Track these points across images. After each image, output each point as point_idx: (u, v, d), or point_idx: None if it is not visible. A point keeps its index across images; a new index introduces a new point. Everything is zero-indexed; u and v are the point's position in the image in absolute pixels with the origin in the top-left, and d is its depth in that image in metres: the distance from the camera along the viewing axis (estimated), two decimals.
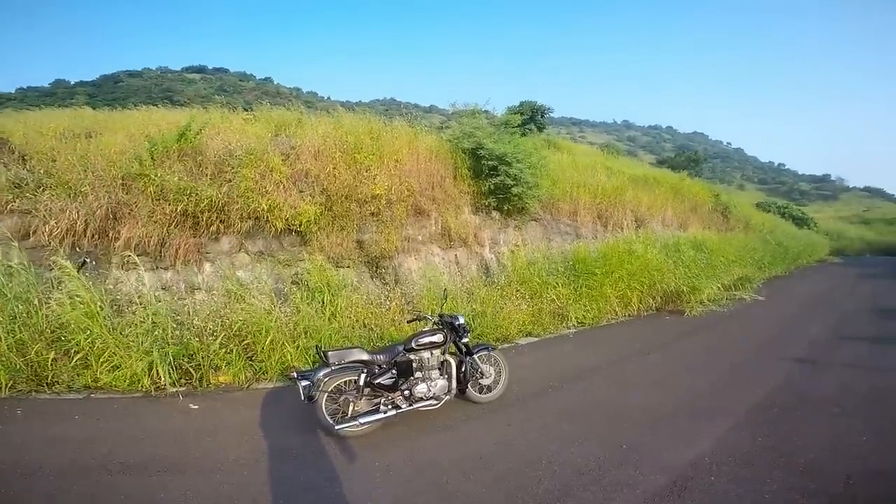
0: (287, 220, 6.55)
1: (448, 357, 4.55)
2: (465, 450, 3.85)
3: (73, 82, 53.03)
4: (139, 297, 5.48)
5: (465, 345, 4.71)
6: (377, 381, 4.08)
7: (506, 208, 9.19)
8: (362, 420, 3.94)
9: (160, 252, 6.12)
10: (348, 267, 6.93)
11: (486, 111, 10.18)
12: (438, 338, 4.47)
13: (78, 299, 4.90)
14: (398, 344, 4.50)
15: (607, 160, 16.10)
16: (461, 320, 4.66)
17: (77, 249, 5.96)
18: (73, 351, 4.73)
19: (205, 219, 6.26)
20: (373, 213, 7.34)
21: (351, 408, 4.00)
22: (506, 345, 7.01)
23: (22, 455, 3.53)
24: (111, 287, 5.62)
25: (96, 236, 6.00)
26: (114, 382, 4.71)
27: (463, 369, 4.62)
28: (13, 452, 3.57)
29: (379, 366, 4.19)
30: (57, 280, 5.19)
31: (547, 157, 10.77)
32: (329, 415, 3.98)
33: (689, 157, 32.51)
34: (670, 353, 6.92)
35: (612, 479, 3.40)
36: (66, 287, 5.02)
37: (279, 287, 6.16)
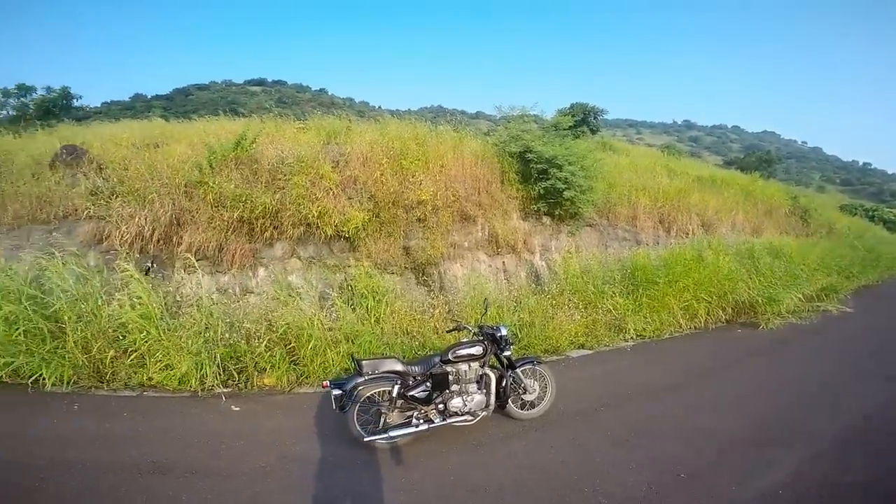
0: (336, 226, 6.60)
1: (488, 370, 4.28)
2: (499, 472, 3.58)
3: (149, 96, 58.47)
4: (196, 299, 5.70)
5: (508, 358, 4.41)
6: (410, 393, 3.92)
7: (557, 213, 8.76)
8: (392, 433, 3.80)
9: (219, 256, 6.36)
10: (395, 273, 6.87)
11: (534, 115, 9.81)
12: (477, 350, 4.22)
13: (137, 301, 5.14)
14: (435, 355, 4.30)
15: (669, 161, 15.07)
16: (503, 332, 4.37)
17: (145, 254, 6.35)
18: (129, 350, 4.97)
19: (259, 225, 6.44)
20: (419, 219, 7.26)
21: (382, 420, 3.87)
22: (555, 357, 6.59)
23: (65, 450, 3.70)
24: (171, 290, 5.89)
25: (161, 241, 6.32)
26: (165, 381, 4.89)
27: (503, 384, 4.32)
28: (58, 447, 3.74)
29: (413, 377, 4.03)
30: (122, 282, 5.48)
31: (602, 160, 10.20)
32: (360, 425, 3.86)
33: (760, 157, 29.96)
34: (743, 371, 6.22)
35: None
36: (128, 289, 5.28)
37: (327, 292, 6.20)
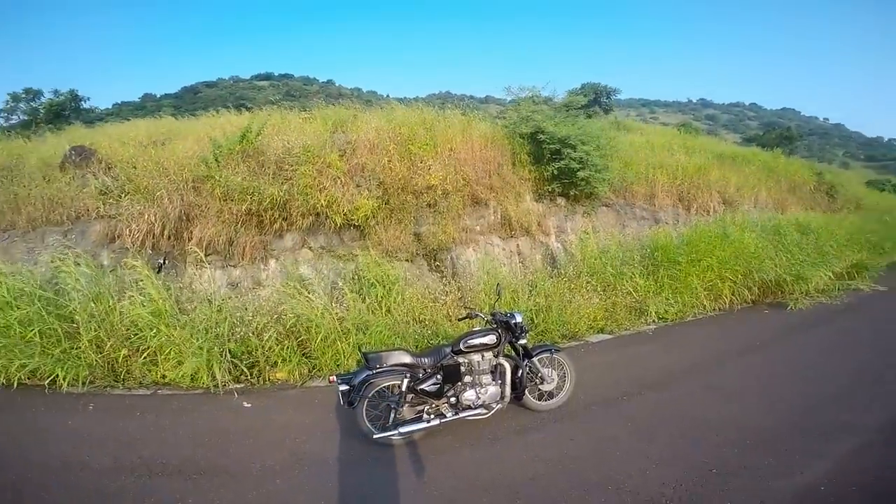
0: (345, 214, 6.48)
1: (502, 360, 4.06)
2: (515, 467, 3.39)
3: (159, 95, 59.07)
4: (205, 294, 5.65)
5: (523, 346, 4.18)
6: (421, 386, 3.73)
7: (572, 194, 8.49)
8: (403, 429, 3.61)
9: (229, 250, 6.31)
10: (406, 260, 6.73)
11: (545, 97, 9.47)
12: (491, 339, 3.99)
13: (148, 298, 5.10)
14: (446, 345, 4.07)
15: (686, 139, 14.56)
16: (518, 319, 4.12)
17: (157, 250, 6.34)
18: (142, 348, 4.93)
19: (268, 217, 6.37)
20: (429, 205, 7.09)
21: (392, 415, 3.68)
22: (574, 343, 6.38)
23: (77, 451, 3.65)
24: (181, 286, 5.85)
25: (172, 237, 6.31)
26: (178, 379, 4.83)
27: (519, 374, 4.09)
28: (69, 448, 3.69)
29: (424, 369, 3.83)
30: (132, 281, 5.44)
31: (616, 138, 9.86)
32: (370, 421, 3.70)
33: (780, 133, 28.97)
34: (774, 355, 5.88)
35: None
36: (138, 287, 5.24)
37: (337, 282, 6.10)
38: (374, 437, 3.59)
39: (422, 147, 7.27)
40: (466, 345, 3.92)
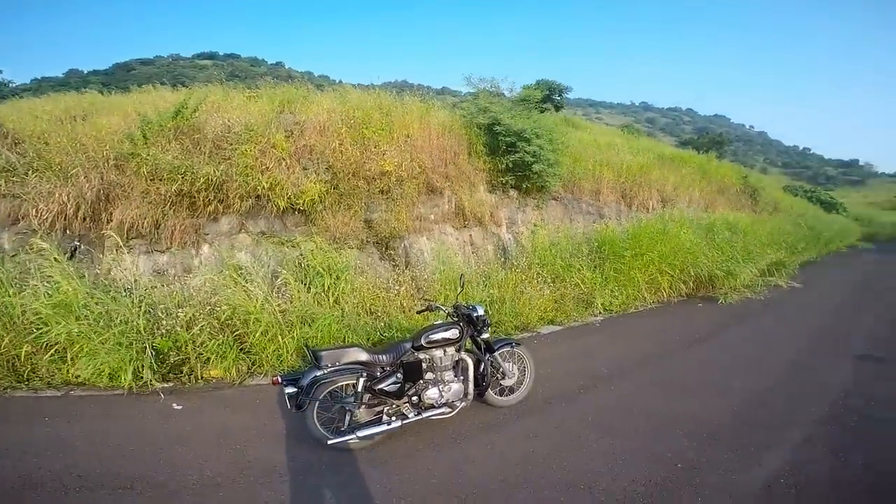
0: (290, 198, 6.08)
1: (464, 355, 3.87)
2: (482, 469, 3.24)
3: (86, 71, 53.01)
4: (125, 283, 5.06)
5: (486, 341, 4.02)
6: (379, 386, 3.47)
7: (524, 186, 8.56)
8: (361, 433, 3.35)
9: (156, 234, 5.74)
10: (356, 248, 6.43)
11: (502, 93, 9.44)
12: (453, 333, 3.78)
13: (54, 287, 4.48)
14: (405, 341, 3.81)
15: (629, 140, 15.26)
16: (480, 311, 3.95)
17: (70, 234, 5.63)
18: (48, 344, 4.31)
19: (202, 198, 5.83)
20: (382, 191, 6.83)
21: (348, 418, 3.41)
22: (526, 334, 6.45)
23: None
24: (97, 273, 5.21)
25: (88, 219, 5.65)
26: (93, 378, 4.28)
27: (482, 370, 3.92)
28: None
29: (381, 367, 3.57)
30: (35, 267, 4.76)
31: (567, 134, 10.08)
32: (322, 425, 3.41)
33: (712, 138, 31.09)
34: (715, 347, 6.21)
35: None
36: (44, 274, 4.59)
37: (279, 270, 5.69)
38: (329, 442, 3.29)
39: (377, 132, 6.98)
40: (428, 340, 3.69)
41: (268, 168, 6.07)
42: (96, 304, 4.55)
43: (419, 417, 3.61)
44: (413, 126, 7.59)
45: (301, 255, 5.88)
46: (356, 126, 7.02)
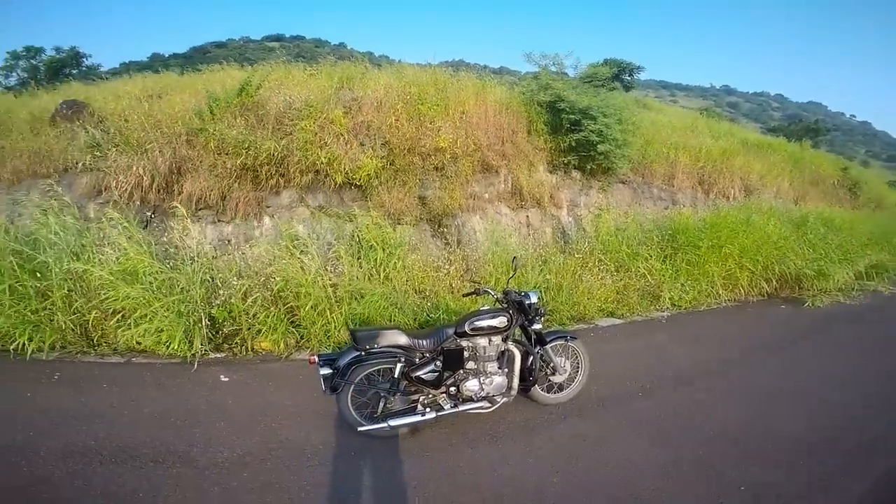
0: (347, 173, 6.06)
1: (511, 346, 3.54)
2: (517, 472, 2.95)
3: (167, 55, 56.56)
4: (189, 252, 5.26)
5: (537, 332, 3.66)
6: (416, 373, 3.25)
7: (589, 167, 7.97)
8: (393, 423, 3.16)
9: (222, 206, 5.97)
10: (409, 224, 6.32)
11: (565, 72, 8.80)
12: (500, 321, 3.44)
13: (123, 254, 4.66)
14: (447, 326, 3.52)
15: (711, 123, 13.93)
16: (533, 299, 3.57)
17: (146, 204, 6.01)
18: (114, 310, 4.48)
19: (264, 172, 5.98)
20: (436, 168, 6.64)
21: (382, 404, 3.23)
22: (583, 325, 6.01)
23: (27, 430, 3.23)
24: (165, 241, 5.48)
25: (162, 191, 5.97)
26: (154, 346, 4.43)
27: (529, 363, 3.58)
28: (21, 427, 3.26)
29: (421, 353, 3.33)
30: (105, 235, 5.01)
31: (639, 115, 9.30)
32: (356, 409, 3.25)
33: (807, 125, 28.04)
34: (800, 355, 5.44)
35: None
36: (108, 242, 4.81)
37: (333, 243, 5.71)
38: (359, 429, 3.15)
39: (432, 107, 6.79)
40: (472, 326, 3.39)
41: (326, 143, 6.09)
42: (159, 272, 4.69)
43: (455, 410, 3.35)
44: (468, 103, 7.30)
45: (356, 228, 5.86)
46: (411, 102, 6.87)
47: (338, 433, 3.32)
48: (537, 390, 3.75)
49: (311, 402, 3.69)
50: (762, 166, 11.69)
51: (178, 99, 7.02)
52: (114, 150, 6.04)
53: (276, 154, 5.92)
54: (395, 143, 6.41)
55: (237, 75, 8.10)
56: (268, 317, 4.69)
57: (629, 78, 14.50)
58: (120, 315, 4.49)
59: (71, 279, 4.61)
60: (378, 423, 3.17)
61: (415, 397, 3.33)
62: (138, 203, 5.94)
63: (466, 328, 3.39)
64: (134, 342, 4.46)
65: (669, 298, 6.98)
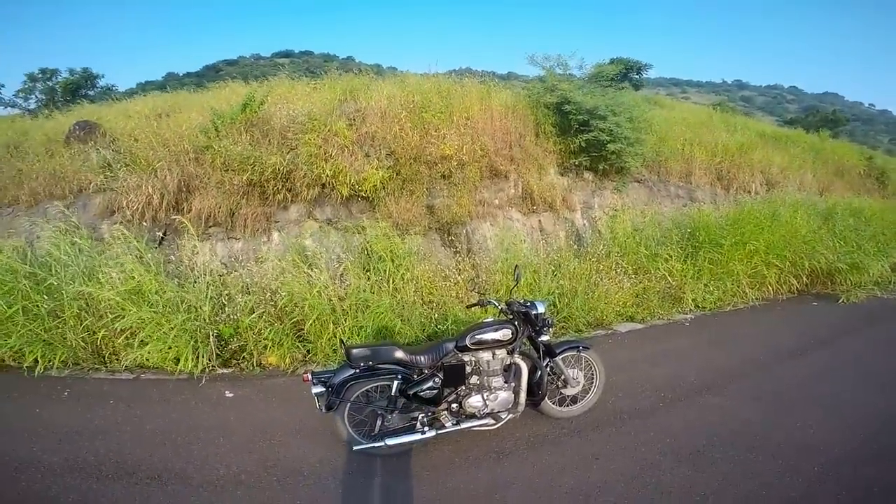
0: (353, 185, 5.99)
1: (517, 359, 3.33)
2: (521, 496, 2.74)
3: (181, 74, 58.80)
4: (197, 269, 5.24)
5: (546, 344, 3.46)
6: (415, 390, 3.08)
7: (601, 168, 7.76)
8: (390, 441, 3.00)
9: (230, 222, 5.97)
10: (419, 234, 6.21)
11: (571, 73, 8.62)
12: (505, 333, 3.26)
13: (128, 274, 4.67)
14: (447, 341, 3.34)
15: (726, 117, 13.56)
16: (540, 309, 3.37)
17: (157, 223, 6.03)
18: (120, 329, 4.49)
19: (271, 187, 5.97)
20: (443, 176, 6.52)
21: (379, 422, 3.08)
22: (600, 331, 5.75)
23: (31, 445, 3.24)
24: (173, 260, 5.48)
25: (172, 209, 5.99)
26: (162, 363, 4.42)
27: (538, 377, 3.38)
28: (25, 443, 3.28)
29: (420, 369, 3.17)
30: (108, 255, 5.04)
31: (650, 112, 9.05)
32: (353, 426, 3.12)
33: (825, 116, 27.08)
34: (835, 356, 5.09)
35: None
36: (113, 261, 4.83)
37: (342, 256, 5.63)
38: (355, 448, 3.02)
39: (436, 115, 6.69)
40: (474, 341, 3.21)
41: (331, 156, 6.03)
42: (166, 291, 4.68)
43: (457, 428, 3.18)
44: (473, 108, 7.19)
45: (365, 240, 5.77)
46: (415, 110, 6.80)
47: (335, 451, 3.20)
48: (548, 404, 3.54)
49: (312, 418, 3.57)
50: (782, 159, 11.31)
51: (186, 117, 7.13)
52: (124, 169, 6.12)
53: (281, 169, 5.90)
54: (400, 153, 6.33)
55: (242, 91, 8.19)
56: (273, 332, 4.62)
57: (637, 76, 14.24)
58: (129, 333, 4.50)
59: (81, 298, 4.64)
60: (375, 441, 3.03)
61: (414, 414, 3.16)
62: (150, 222, 5.96)
63: (468, 342, 3.22)
64: (143, 359, 4.46)
65: (692, 300, 6.68)
